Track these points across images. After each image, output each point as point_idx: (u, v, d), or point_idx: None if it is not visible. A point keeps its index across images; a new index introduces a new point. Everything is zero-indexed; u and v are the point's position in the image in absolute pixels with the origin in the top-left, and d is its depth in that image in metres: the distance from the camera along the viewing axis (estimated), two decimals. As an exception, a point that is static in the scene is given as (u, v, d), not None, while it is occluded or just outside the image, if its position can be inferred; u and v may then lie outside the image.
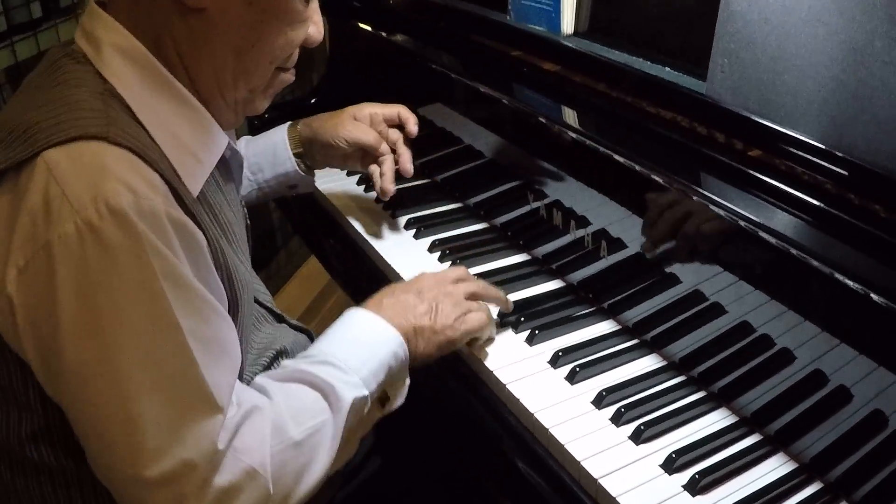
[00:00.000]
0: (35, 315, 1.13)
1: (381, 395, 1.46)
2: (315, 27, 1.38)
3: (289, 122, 2.06)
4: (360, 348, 1.45)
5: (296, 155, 2.01)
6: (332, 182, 2.32)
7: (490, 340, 1.65)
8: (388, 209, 2.14)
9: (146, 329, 1.13)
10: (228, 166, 1.47)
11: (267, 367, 1.55)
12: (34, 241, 1.10)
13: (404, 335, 1.50)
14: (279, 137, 2.03)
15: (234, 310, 1.34)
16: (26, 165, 1.12)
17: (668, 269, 1.59)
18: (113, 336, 1.11)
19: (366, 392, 1.40)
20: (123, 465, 1.15)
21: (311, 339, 1.73)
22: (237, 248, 1.42)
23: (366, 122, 2.01)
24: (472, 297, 1.63)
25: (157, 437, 1.13)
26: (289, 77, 1.42)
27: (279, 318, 1.72)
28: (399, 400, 1.50)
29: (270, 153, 2.02)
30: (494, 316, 1.68)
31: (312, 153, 2.03)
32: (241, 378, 1.33)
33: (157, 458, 1.14)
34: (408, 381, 1.52)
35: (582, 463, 1.37)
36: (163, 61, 1.27)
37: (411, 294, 1.58)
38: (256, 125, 2.60)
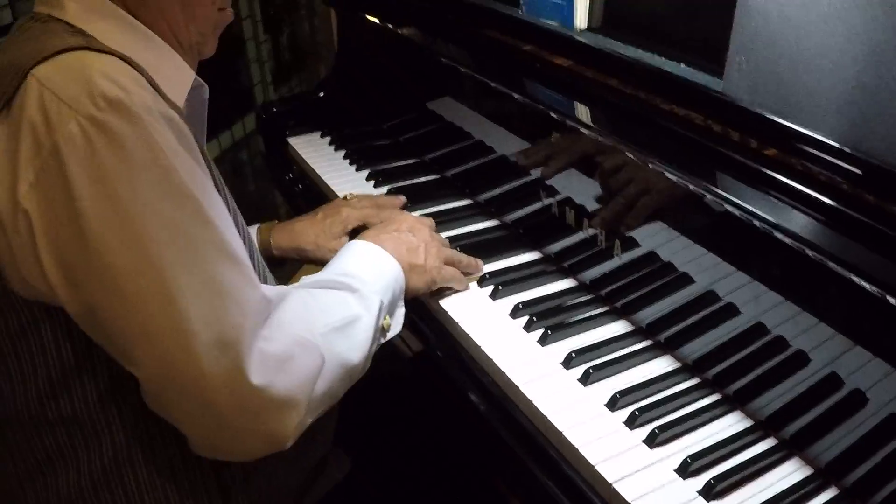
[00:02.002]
0: (55, 221, 1.13)
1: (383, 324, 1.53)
2: None
3: (256, 227, 1.99)
4: (369, 268, 1.57)
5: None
6: (342, 179, 2.31)
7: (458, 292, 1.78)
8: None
9: (167, 204, 1.15)
10: (193, 111, 1.49)
11: None
12: (40, 151, 1.12)
13: (402, 268, 1.63)
14: None
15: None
16: (17, 91, 1.15)
17: (681, 269, 1.57)
18: (136, 218, 1.13)
19: (382, 301, 1.50)
20: (172, 345, 1.15)
21: None
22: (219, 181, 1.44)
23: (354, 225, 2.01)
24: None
25: (199, 306, 1.15)
26: (229, 14, 1.48)
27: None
28: (396, 327, 1.59)
29: None
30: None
31: (286, 255, 2.01)
32: None
33: (205, 326, 1.15)
34: (403, 309, 1.63)
35: (596, 467, 1.35)
36: None
37: (405, 232, 1.72)
38: (263, 118, 2.60)
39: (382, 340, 1.51)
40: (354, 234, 1.89)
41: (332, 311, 1.39)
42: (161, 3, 1.34)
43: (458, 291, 1.78)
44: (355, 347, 1.39)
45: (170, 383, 1.18)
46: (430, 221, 1.84)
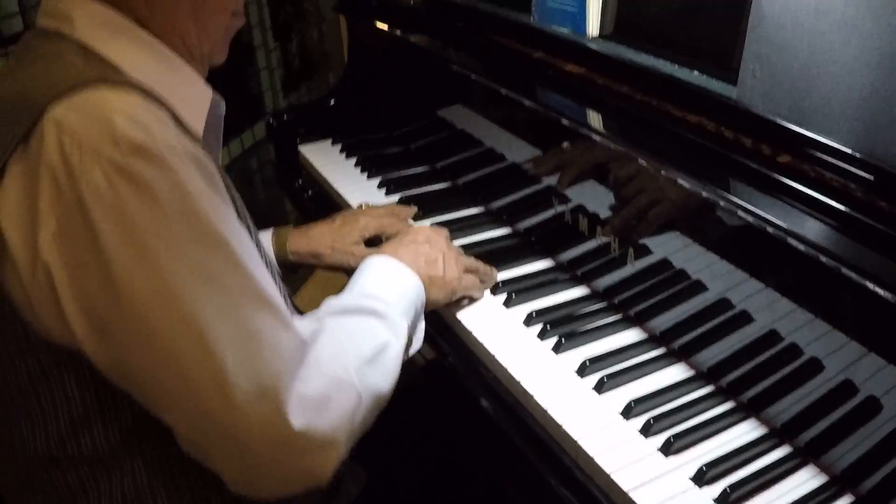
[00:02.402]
0: (81, 274, 1.09)
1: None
2: None
3: (272, 230, 1.97)
4: (391, 288, 1.53)
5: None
6: (354, 187, 2.31)
7: (472, 301, 1.78)
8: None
9: (198, 252, 1.12)
10: (209, 127, 1.42)
11: None
12: (63, 200, 1.08)
13: (422, 282, 1.61)
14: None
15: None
16: (33, 130, 1.10)
17: (694, 277, 1.57)
18: (169, 268, 1.09)
19: (408, 323, 1.48)
20: (210, 395, 1.11)
21: None
22: (239, 204, 1.40)
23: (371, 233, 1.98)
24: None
25: (236, 355, 1.11)
26: (241, 20, 1.42)
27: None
28: (418, 343, 1.58)
29: None
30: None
31: (303, 260, 1.98)
32: None
33: (243, 375, 1.11)
34: (424, 324, 1.62)
35: (611, 475, 1.35)
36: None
37: (423, 244, 1.69)
38: (274, 126, 2.60)
39: (405, 357, 1.49)
40: (370, 243, 1.90)
41: (363, 342, 1.36)
42: (174, 14, 1.29)
43: (472, 300, 1.78)
44: (386, 375, 1.37)
45: (208, 432, 1.14)
46: (446, 231, 1.83)
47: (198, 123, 1.33)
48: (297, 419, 1.15)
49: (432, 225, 1.93)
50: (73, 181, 1.07)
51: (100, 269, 1.08)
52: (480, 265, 1.80)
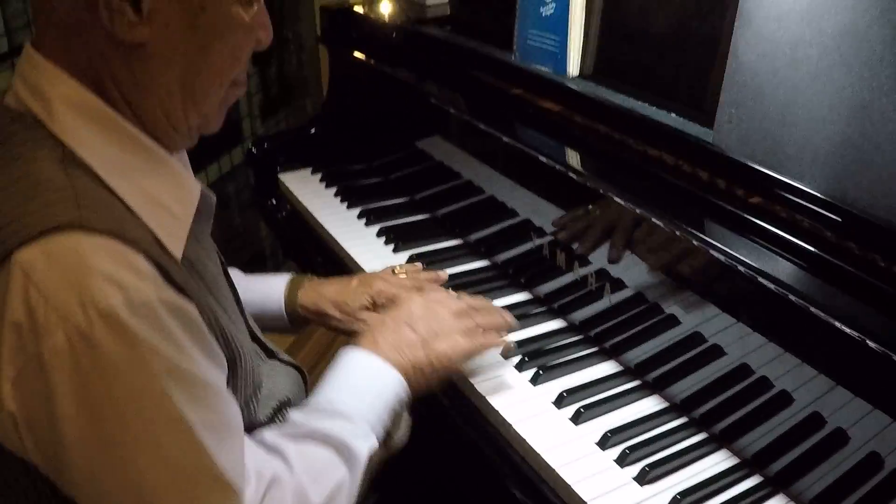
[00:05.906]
0: (37, 428, 1.06)
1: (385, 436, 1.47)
2: (264, 31, 1.27)
3: (289, 278, 1.90)
4: (366, 394, 1.47)
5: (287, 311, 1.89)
6: (334, 217, 2.34)
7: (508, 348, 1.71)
8: (390, 244, 2.17)
9: (155, 432, 1.08)
10: (199, 211, 1.32)
11: (271, 416, 1.48)
12: (23, 353, 1.03)
13: (404, 375, 1.52)
14: (274, 297, 1.89)
15: (233, 367, 1.30)
16: None
17: (668, 311, 1.61)
18: (122, 445, 1.06)
19: (376, 440, 1.42)
20: None
21: (303, 376, 1.67)
22: (224, 300, 1.38)
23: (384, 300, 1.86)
24: (463, 314, 1.66)
25: None
26: (241, 89, 1.32)
27: (269, 353, 1.62)
28: (400, 438, 1.53)
29: (259, 306, 1.84)
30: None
31: (310, 317, 1.89)
32: (248, 431, 1.32)
33: None
34: (407, 419, 1.55)
35: (589, 503, 1.38)
36: (108, 105, 1.17)
37: (404, 327, 1.59)
38: (255, 153, 2.60)
39: (384, 455, 1.48)
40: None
41: (318, 484, 1.32)
42: (158, 82, 1.19)
43: None
44: None
45: None
46: (441, 294, 1.76)
47: (182, 231, 1.24)
48: None
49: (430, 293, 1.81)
50: (35, 338, 1.02)
51: (53, 430, 1.05)
52: (491, 319, 1.71)
